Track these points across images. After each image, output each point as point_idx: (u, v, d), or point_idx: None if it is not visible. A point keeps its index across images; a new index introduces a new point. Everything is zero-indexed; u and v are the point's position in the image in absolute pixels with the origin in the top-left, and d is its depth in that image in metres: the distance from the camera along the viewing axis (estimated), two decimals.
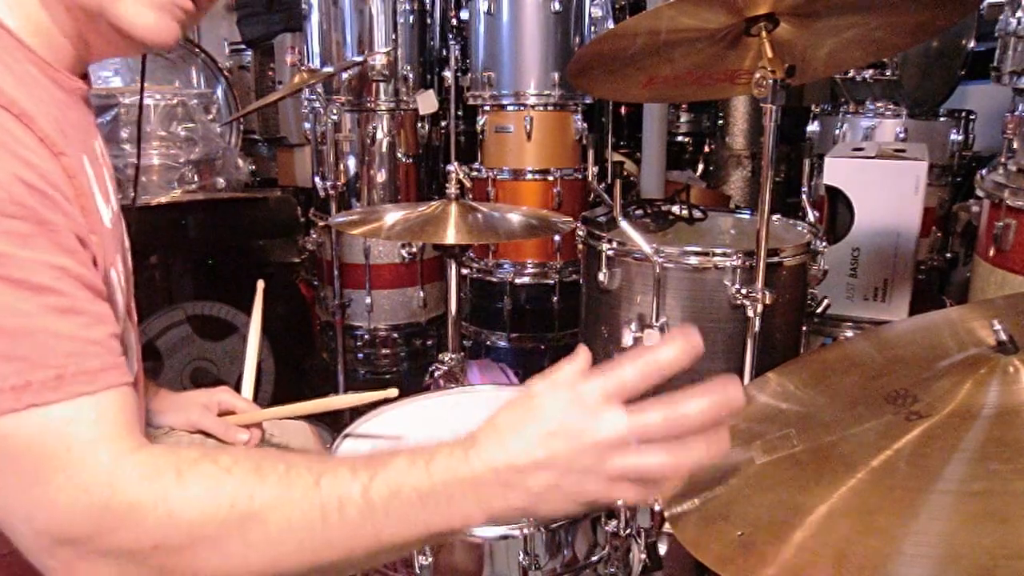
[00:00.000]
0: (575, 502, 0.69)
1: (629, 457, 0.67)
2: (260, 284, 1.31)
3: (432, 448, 0.69)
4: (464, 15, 2.54)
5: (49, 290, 0.63)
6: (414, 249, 2.52)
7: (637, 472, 0.68)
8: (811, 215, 1.76)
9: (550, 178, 2.46)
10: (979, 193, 1.86)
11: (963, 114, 2.53)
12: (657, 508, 1.43)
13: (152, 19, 0.77)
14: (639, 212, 1.88)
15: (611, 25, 2.43)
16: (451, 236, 1.53)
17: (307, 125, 2.66)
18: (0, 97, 0.64)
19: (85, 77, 0.86)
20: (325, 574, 0.69)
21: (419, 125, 2.63)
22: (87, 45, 0.81)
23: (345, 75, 2.48)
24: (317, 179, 2.52)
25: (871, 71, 2.45)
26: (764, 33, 1.28)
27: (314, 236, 2.64)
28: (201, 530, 0.63)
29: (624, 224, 1.60)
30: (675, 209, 1.89)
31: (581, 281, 1.84)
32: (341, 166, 2.58)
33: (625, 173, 3.21)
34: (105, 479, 0.62)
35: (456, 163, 1.80)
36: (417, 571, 1.03)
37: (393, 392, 1.18)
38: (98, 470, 0.63)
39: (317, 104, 2.53)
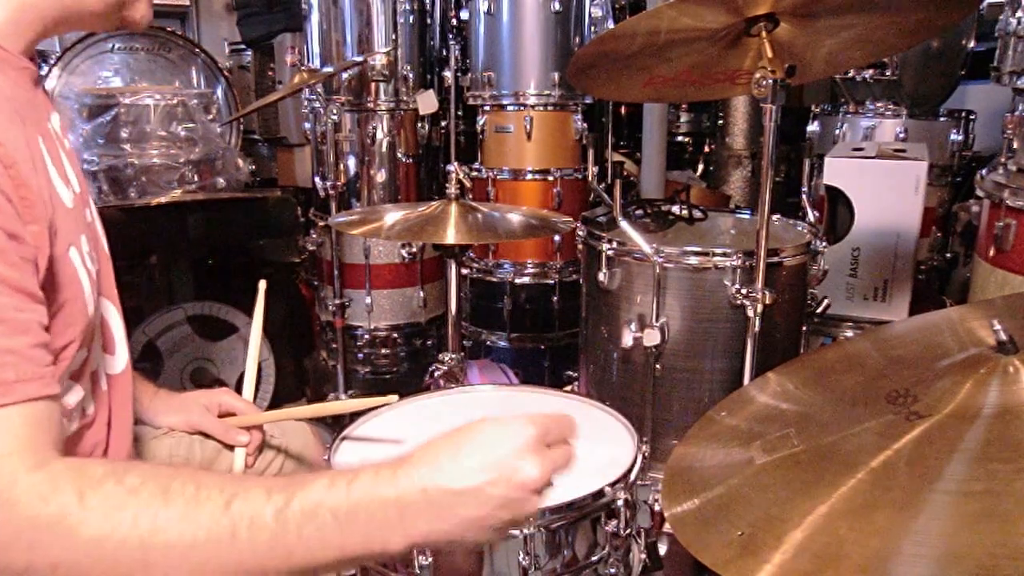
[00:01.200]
0: (492, 530, 0.71)
1: (537, 495, 0.72)
2: (262, 284, 1.30)
3: (358, 468, 0.69)
4: (464, 15, 2.54)
5: None
6: (414, 249, 2.53)
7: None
8: (811, 215, 1.76)
9: (550, 178, 2.46)
10: (979, 193, 1.86)
11: (963, 114, 2.53)
12: (657, 508, 1.43)
13: None
14: (639, 212, 1.88)
15: (611, 25, 2.43)
16: (451, 236, 1.53)
17: (307, 125, 2.66)
18: None
19: (32, 60, 0.85)
20: None
21: (419, 125, 2.63)
22: (42, 18, 0.81)
23: (345, 75, 2.48)
24: (317, 179, 2.52)
25: (871, 71, 2.44)
26: (764, 33, 1.29)
27: (314, 236, 2.64)
28: (100, 551, 0.62)
29: (624, 224, 1.60)
30: (675, 209, 1.89)
31: (581, 281, 1.84)
32: (341, 166, 2.58)
33: (625, 173, 3.20)
34: (2, 496, 0.61)
35: (456, 163, 1.80)
36: (417, 571, 1.03)
37: (393, 398, 1.18)
38: None
39: (317, 104, 2.53)
